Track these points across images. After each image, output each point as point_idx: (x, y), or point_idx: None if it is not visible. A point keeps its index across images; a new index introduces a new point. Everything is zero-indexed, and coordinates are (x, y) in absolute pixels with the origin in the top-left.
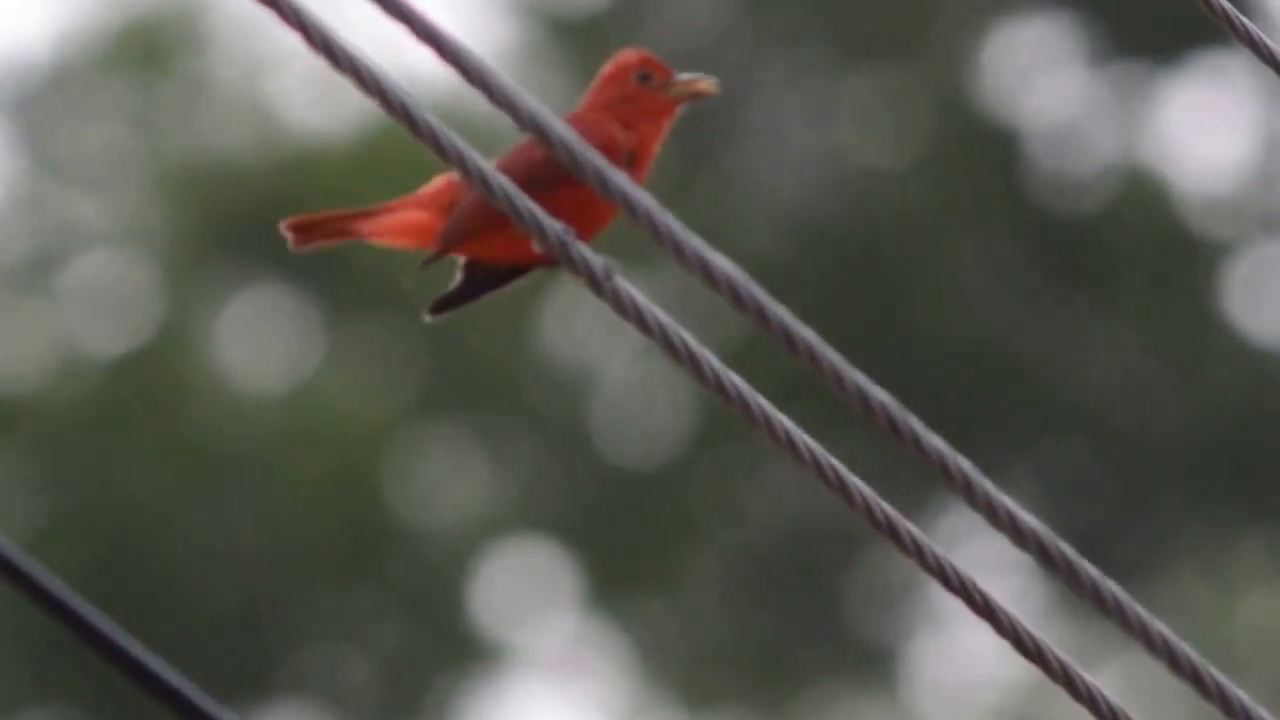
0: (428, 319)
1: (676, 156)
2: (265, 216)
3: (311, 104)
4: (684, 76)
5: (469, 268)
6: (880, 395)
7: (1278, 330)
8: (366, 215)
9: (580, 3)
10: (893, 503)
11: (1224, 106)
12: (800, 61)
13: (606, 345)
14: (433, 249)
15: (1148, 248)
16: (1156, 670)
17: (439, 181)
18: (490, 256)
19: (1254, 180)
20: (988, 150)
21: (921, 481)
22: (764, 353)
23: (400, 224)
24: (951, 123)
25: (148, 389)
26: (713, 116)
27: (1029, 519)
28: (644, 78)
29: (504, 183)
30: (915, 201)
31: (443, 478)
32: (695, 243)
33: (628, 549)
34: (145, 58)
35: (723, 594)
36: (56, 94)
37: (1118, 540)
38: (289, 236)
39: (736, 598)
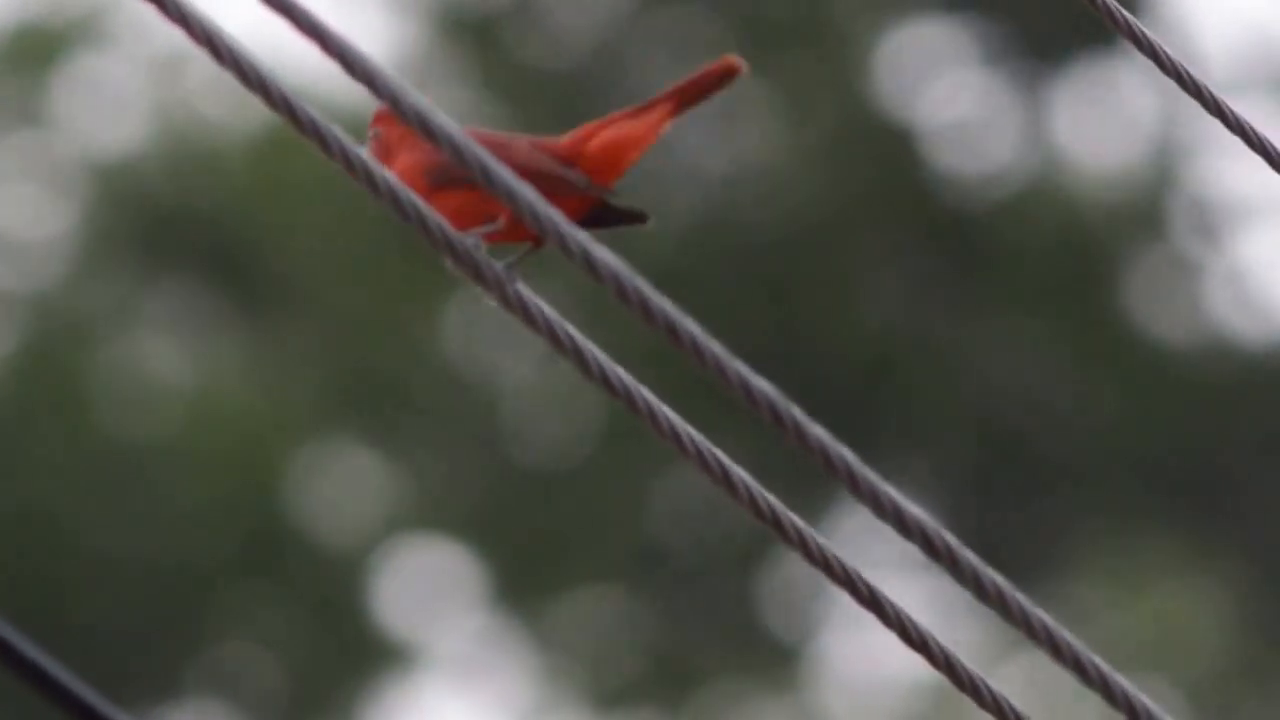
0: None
1: None
2: (168, 216)
3: (216, 101)
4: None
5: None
6: (762, 385)
7: (1175, 328)
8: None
9: (475, 2)
10: (799, 505)
11: (1122, 106)
12: (696, 60)
13: (511, 346)
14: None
15: (1045, 247)
16: (1060, 669)
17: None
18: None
19: (1151, 180)
20: (885, 149)
21: (828, 482)
22: (674, 360)
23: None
24: (848, 121)
25: (48, 388)
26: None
27: (913, 508)
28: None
29: (393, 182)
30: (812, 200)
31: (347, 478)
32: (579, 235)
33: (533, 549)
34: (45, 55)
35: (629, 593)
36: None
37: (1020, 538)
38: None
39: (642, 597)
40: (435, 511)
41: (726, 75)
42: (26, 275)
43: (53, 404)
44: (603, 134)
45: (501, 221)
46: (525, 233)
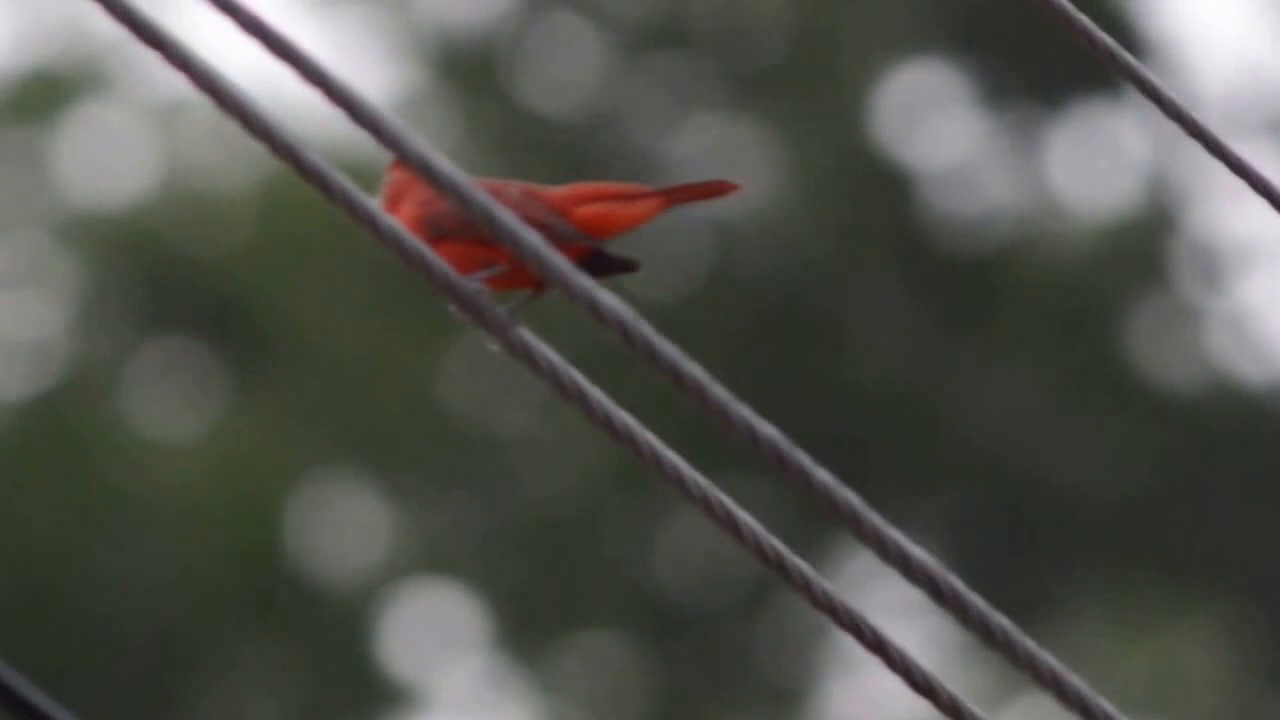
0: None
1: None
2: (171, 265)
3: (221, 149)
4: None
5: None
6: (768, 430)
7: (1177, 372)
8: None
9: (470, 47)
10: (805, 550)
11: (1121, 149)
12: (692, 103)
13: (515, 391)
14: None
15: (1047, 290)
16: (1066, 713)
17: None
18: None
19: (1151, 223)
20: (885, 192)
21: (834, 527)
22: (680, 406)
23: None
24: (847, 165)
25: (52, 436)
26: (602, 159)
27: (918, 552)
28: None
29: (391, 224)
30: (813, 244)
31: (349, 525)
32: (583, 281)
33: (536, 592)
34: (49, 103)
35: (632, 637)
36: None
37: (1024, 582)
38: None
39: (646, 641)
40: (438, 555)
41: (720, 193)
42: (29, 324)
43: (55, 452)
44: (592, 207)
45: (501, 266)
46: (526, 279)
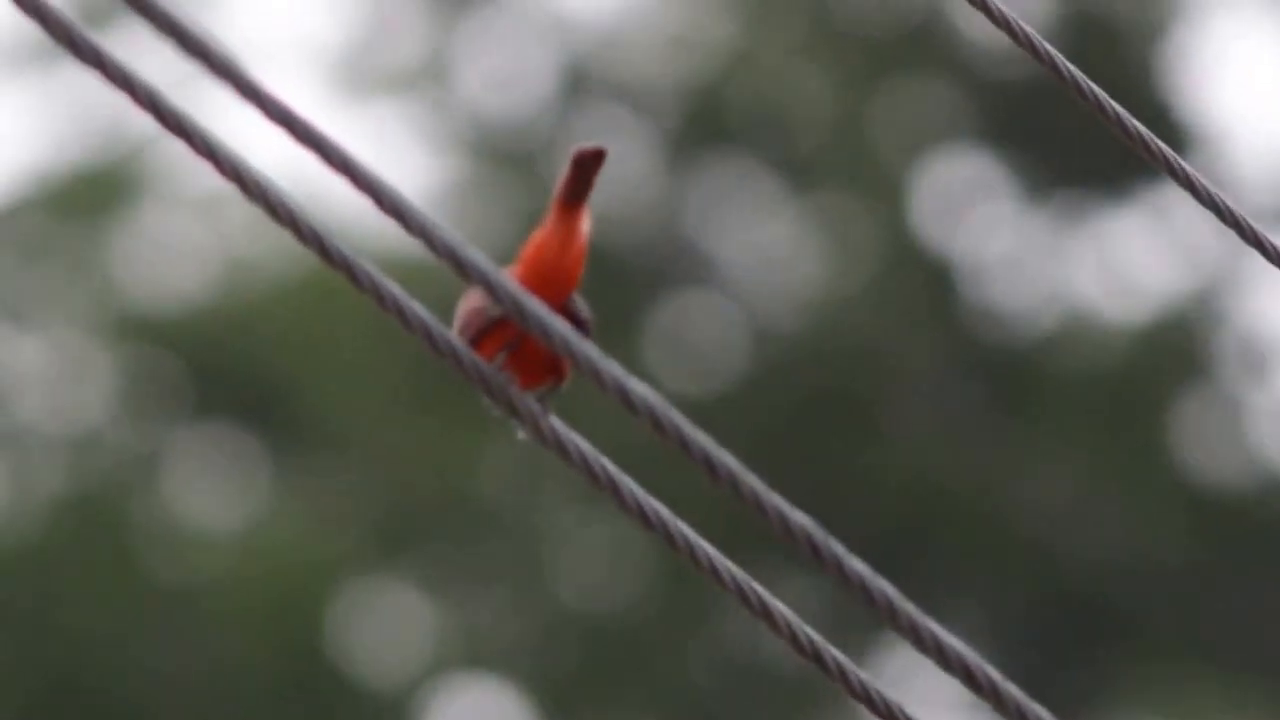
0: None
1: (605, 300)
2: (212, 358)
3: (258, 242)
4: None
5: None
6: (801, 519)
7: (1221, 464)
8: None
9: (509, 138)
10: (848, 646)
11: (1162, 239)
12: (733, 196)
13: (555, 484)
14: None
15: (1088, 382)
16: None
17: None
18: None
19: (1195, 314)
20: (929, 284)
21: (874, 622)
22: (719, 499)
23: None
24: (890, 257)
25: (94, 530)
26: (643, 250)
27: (954, 643)
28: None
29: (423, 317)
30: (856, 336)
31: (392, 617)
32: (614, 369)
33: (579, 687)
34: (90, 200)
35: None
36: (3, 237)
37: (1070, 676)
38: None
39: None
40: (481, 649)
41: (586, 161)
42: (73, 417)
43: (98, 545)
44: (526, 253)
45: (511, 347)
46: (544, 375)
